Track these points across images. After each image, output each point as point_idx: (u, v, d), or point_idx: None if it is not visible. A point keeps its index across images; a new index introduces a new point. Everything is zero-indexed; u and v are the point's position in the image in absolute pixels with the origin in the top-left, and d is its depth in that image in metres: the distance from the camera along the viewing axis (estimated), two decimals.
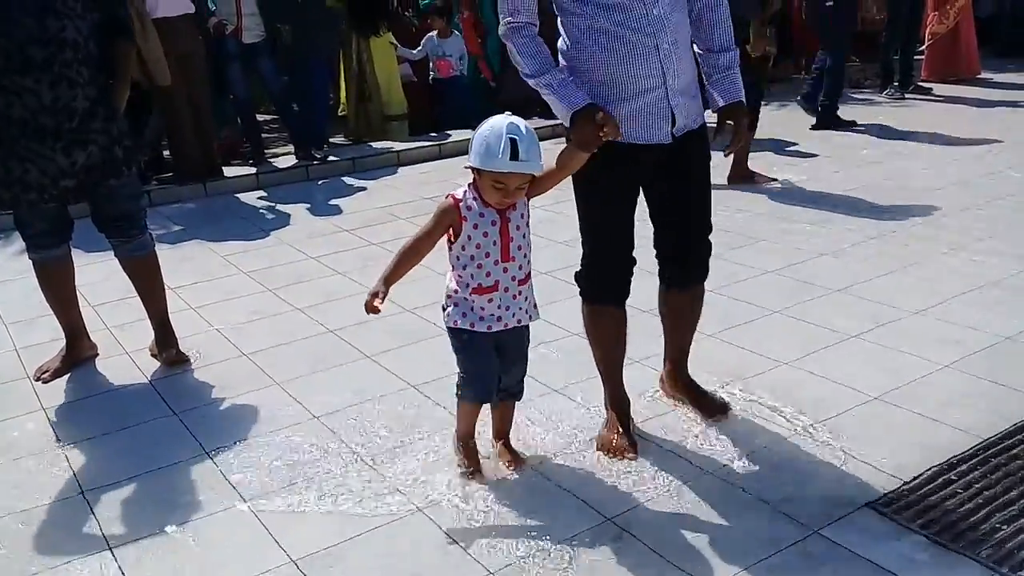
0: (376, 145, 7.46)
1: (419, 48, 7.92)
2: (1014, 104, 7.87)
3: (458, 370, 2.61)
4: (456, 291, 2.50)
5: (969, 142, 6.49)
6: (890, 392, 2.95)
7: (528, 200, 2.48)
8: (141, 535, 2.49)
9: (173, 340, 3.69)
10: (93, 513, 2.62)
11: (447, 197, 2.46)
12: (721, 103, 2.66)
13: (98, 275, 4.53)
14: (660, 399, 3.03)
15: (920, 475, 2.47)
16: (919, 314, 3.57)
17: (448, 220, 2.42)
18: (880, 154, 6.39)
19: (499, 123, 2.31)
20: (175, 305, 4.27)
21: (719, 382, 3.10)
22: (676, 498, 2.48)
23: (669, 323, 2.93)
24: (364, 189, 6.50)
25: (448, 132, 7.75)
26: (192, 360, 3.63)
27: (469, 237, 2.41)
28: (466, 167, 2.42)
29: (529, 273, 2.53)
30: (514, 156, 2.27)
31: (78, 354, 3.68)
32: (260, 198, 6.41)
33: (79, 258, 3.80)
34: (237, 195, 6.49)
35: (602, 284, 2.72)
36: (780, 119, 7.94)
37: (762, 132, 7.31)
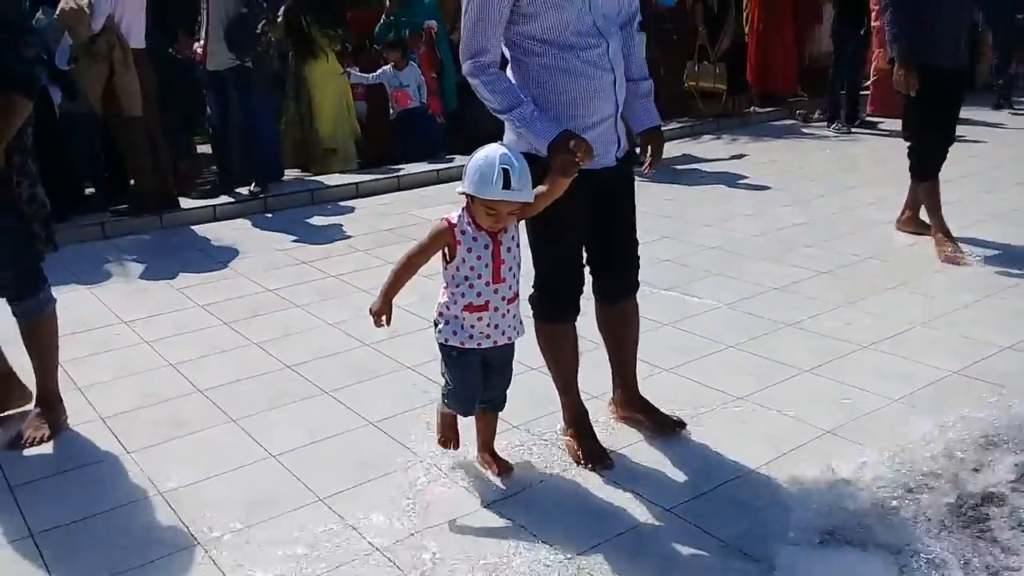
0: (335, 178, 7.44)
1: (374, 75, 7.94)
2: (958, 138, 8.08)
3: (445, 381, 2.73)
4: (448, 308, 2.62)
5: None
6: (842, 426, 3.01)
7: (518, 223, 2.62)
8: None
9: (47, 419, 3.29)
10: (42, 557, 2.56)
11: (442, 220, 2.59)
12: (644, 127, 2.87)
13: None
14: (614, 431, 3.06)
15: (872, 507, 2.52)
16: (869, 348, 3.65)
17: (443, 241, 2.57)
18: (829, 188, 6.54)
19: (493, 153, 2.45)
20: (127, 340, 4.24)
21: (681, 415, 3.13)
22: (637, 538, 2.50)
23: (610, 343, 3.07)
24: (323, 221, 6.48)
25: (405, 165, 7.78)
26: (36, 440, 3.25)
27: (463, 259, 2.55)
28: (460, 192, 2.53)
29: (517, 292, 2.67)
30: (506, 185, 2.42)
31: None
32: (217, 230, 6.36)
33: None
34: (194, 227, 6.43)
35: (560, 303, 2.86)
36: (734, 150, 8.11)
37: (719, 165, 7.48)
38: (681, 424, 3.04)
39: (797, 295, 4.33)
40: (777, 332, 3.89)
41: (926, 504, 2.56)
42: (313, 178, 7.52)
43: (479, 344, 2.62)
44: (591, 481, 2.78)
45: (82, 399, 3.60)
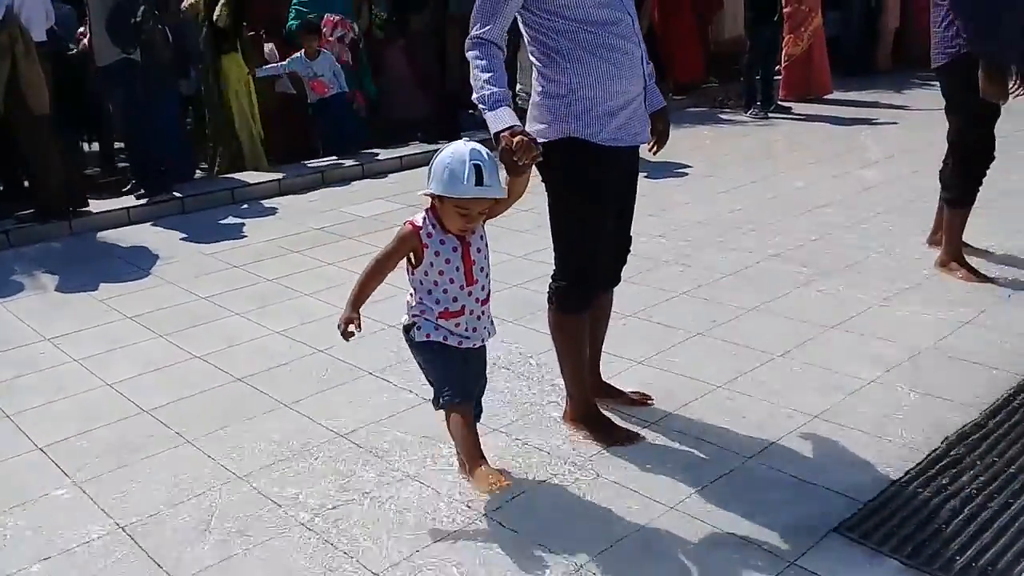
0: (256, 175, 7.11)
1: (284, 63, 7.61)
2: (868, 121, 8.36)
3: (433, 384, 2.57)
4: (421, 312, 2.49)
5: (843, 158, 6.82)
6: (828, 411, 2.99)
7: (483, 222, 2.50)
8: None
9: None
10: None
11: (406, 224, 2.45)
12: (652, 109, 2.84)
13: None
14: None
15: (877, 496, 2.49)
16: (835, 328, 3.66)
17: (408, 247, 2.44)
18: (759, 173, 6.61)
19: (461, 149, 2.34)
20: (56, 359, 3.91)
21: (662, 409, 3.06)
22: (646, 539, 2.41)
23: (591, 327, 2.99)
24: (248, 221, 6.17)
25: (331, 157, 7.51)
26: None
27: (432, 264, 2.42)
28: (425, 194, 2.39)
29: (489, 292, 2.56)
30: (479, 182, 2.31)
31: None
32: (133, 235, 5.98)
33: None
34: (107, 232, 6.03)
35: (592, 293, 2.84)
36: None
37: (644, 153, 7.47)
38: (647, 397, 3.12)
39: (753, 280, 4.33)
40: (741, 317, 3.87)
41: (937, 488, 2.55)
42: (232, 176, 7.16)
43: (460, 342, 2.52)
44: (583, 483, 2.67)
45: (13, 428, 3.29)
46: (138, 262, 5.32)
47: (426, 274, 2.44)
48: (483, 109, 2.51)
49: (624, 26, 2.64)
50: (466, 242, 2.45)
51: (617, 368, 3.36)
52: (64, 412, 3.40)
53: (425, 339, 2.49)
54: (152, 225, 6.18)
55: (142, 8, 6.19)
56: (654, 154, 2.95)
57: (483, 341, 2.59)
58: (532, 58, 2.73)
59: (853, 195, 5.76)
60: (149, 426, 3.25)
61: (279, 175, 7.05)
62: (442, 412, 2.57)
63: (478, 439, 2.55)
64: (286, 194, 6.86)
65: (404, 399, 3.30)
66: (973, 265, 4.16)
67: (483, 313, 2.54)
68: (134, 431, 3.22)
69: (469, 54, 2.60)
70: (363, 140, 7.90)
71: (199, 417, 3.29)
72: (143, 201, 6.38)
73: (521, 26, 2.72)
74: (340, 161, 7.42)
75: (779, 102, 9.26)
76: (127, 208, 6.30)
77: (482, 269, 2.50)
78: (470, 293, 2.48)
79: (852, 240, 4.82)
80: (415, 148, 7.76)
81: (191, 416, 3.31)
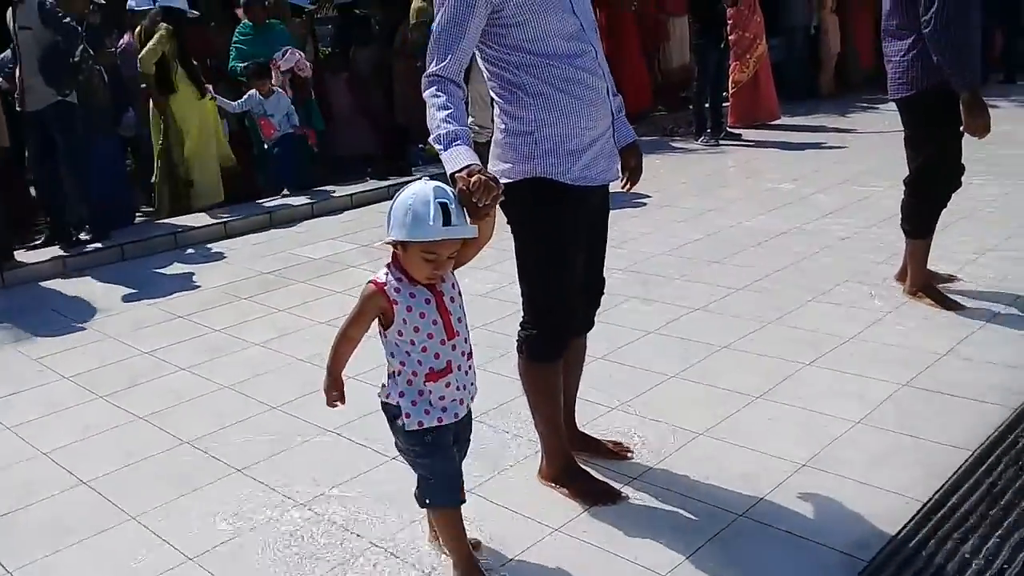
0: (199, 218, 6.84)
1: (240, 101, 7.40)
2: (818, 145, 8.39)
3: (420, 476, 2.31)
4: (409, 383, 2.21)
5: (798, 183, 6.80)
6: (815, 457, 2.86)
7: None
8: None
9: None
10: None
11: (368, 284, 2.20)
12: (621, 144, 2.72)
13: None
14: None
15: (877, 555, 2.35)
16: (811, 366, 3.55)
17: (376, 308, 2.18)
18: (715, 201, 6.55)
19: (423, 189, 2.12)
20: None
21: (643, 463, 2.90)
22: None
23: (565, 374, 2.81)
24: (192, 267, 5.90)
25: (279, 197, 7.29)
26: None
27: (404, 321, 2.16)
28: (386, 242, 2.17)
29: (471, 346, 2.32)
30: (446, 221, 2.09)
31: None
32: (69, 286, 5.67)
33: None
34: (40, 283, 5.72)
35: (563, 339, 2.69)
36: None
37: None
38: (626, 449, 2.98)
39: (722, 315, 4.21)
40: (714, 356, 3.74)
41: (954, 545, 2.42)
42: (172, 220, 6.88)
43: (456, 414, 2.25)
44: (567, 550, 2.49)
45: None
46: (75, 315, 5.02)
47: (400, 335, 2.18)
48: (439, 149, 2.33)
49: (588, 58, 2.51)
50: (438, 291, 2.20)
51: (590, 415, 3.20)
52: None
53: (417, 428, 2.21)
54: (89, 275, 5.87)
55: (80, 48, 5.93)
56: (627, 191, 2.82)
57: (471, 400, 2.34)
58: (493, 94, 2.58)
59: (812, 221, 5.71)
60: (89, 501, 3.00)
61: (224, 217, 6.79)
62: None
63: (464, 533, 2.35)
64: (232, 236, 6.61)
65: (366, 458, 3.10)
66: (941, 290, 4.11)
67: (470, 368, 2.30)
68: (72, 508, 2.96)
69: (425, 93, 2.43)
70: (312, 178, 7.69)
71: (144, 488, 3.04)
72: (79, 249, 6.08)
73: (480, 61, 2.58)
74: (289, 201, 7.19)
75: (729, 129, 9.28)
76: (63, 257, 5.99)
77: (460, 320, 2.25)
78: (454, 347, 2.22)
79: (817, 269, 4.75)
80: (366, 185, 7.57)
81: (135, 487, 3.06)
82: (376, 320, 2.21)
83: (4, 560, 2.67)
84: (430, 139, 2.39)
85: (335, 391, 2.24)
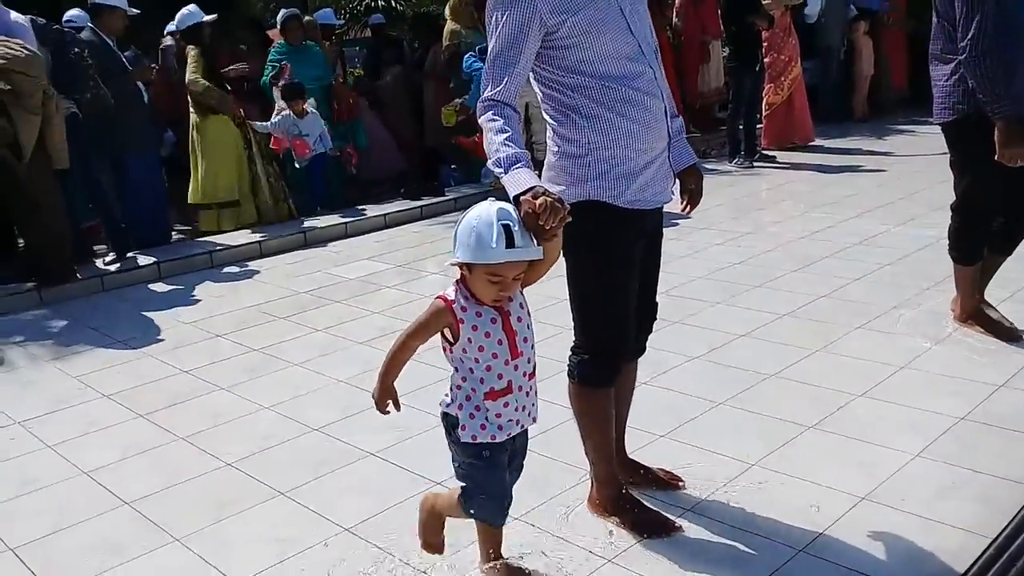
0: (235, 236, 6.86)
1: (272, 122, 7.43)
2: (854, 169, 8.31)
3: (467, 489, 2.30)
4: (468, 398, 2.22)
5: (836, 207, 6.72)
6: (874, 491, 2.78)
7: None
8: None
9: None
10: None
11: (437, 299, 2.19)
12: (682, 166, 2.68)
13: None
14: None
15: None
16: (864, 397, 3.47)
17: (442, 323, 2.18)
18: (753, 225, 6.48)
19: (487, 210, 2.11)
20: (26, 446, 3.61)
21: (695, 494, 2.83)
22: None
23: (616, 400, 2.76)
24: (229, 286, 5.91)
25: (313, 217, 7.30)
26: None
27: (470, 340, 2.16)
28: (452, 264, 2.16)
29: (535, 365, 2.30)
30: (510, 243, 2.07)
31: None
32: (106, 303, 5.69)
33: None
34: (77, 301, 5.74)
35: (617, 365, 2.64)
36: None
37: None
38: (677, 479, 2.91)
39: (767, 341, 4.14)
40: (761, 384, 3.66)
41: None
42: (208, 239, 6.90)
43: (510, 434, 2.24)
44: None
45: None
46: (113, 333, 5.03)
47: (465, 352, 2.18)
48: (499, 173, 2.32)
49: (646, 79, 2.47)
50: (504, 311, 2.19)
51: (638, 442, 3.13)
52: (35, 507, 3.10)
53: (472, 441, 2.22)
54: (126, 291, 5.89)
55: (82, 53, 6.01)
56: (686, 213, 2.75)
57: (532, 421, 2.32)
58: (546, 116, 2.56)
59: (853, 246, 5.62)
60: (131, 521, 2.97)
61: (260, 236, 6.81)
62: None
63: (500, 543, 2.35)
64: (267, 256, 6.61)
65: (408, 482, 3.05)
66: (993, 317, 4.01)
67: (531, 389, 2.28)
68: (116, 527, 2.93)
69: (482, 118, 2.43)
70: (344, 198, 7.72)
71: (186, 510, 3.01)
72: (115, 267, 6.11)
73: (534, 82, 2.55)
74: (322, 220, 7.19)
75: (762, 151, 9.21)
76: (100, 276, 6.01)
77: (526, 339, 2.24)
78: (516, 367, 2.21)
79: (862, 296, 4.66)
80: (399, 205, 7.57)
81: (177, 509, 3.03)
82: (441, 335, 2.21)
83: None
84: (489, 163, 2.38)
85: (388, 398, 2.24)
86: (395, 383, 2.24)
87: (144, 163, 6.74)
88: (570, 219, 2.20)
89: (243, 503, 3.03)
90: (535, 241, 2.14)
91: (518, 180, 2.25)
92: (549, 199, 2.13)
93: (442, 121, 8.01)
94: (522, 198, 2.19)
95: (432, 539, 2.50)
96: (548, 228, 2.13)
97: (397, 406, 2.25)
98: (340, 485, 3.11)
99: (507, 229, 2.07)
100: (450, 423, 2.26)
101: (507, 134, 2.35)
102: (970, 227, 3.93)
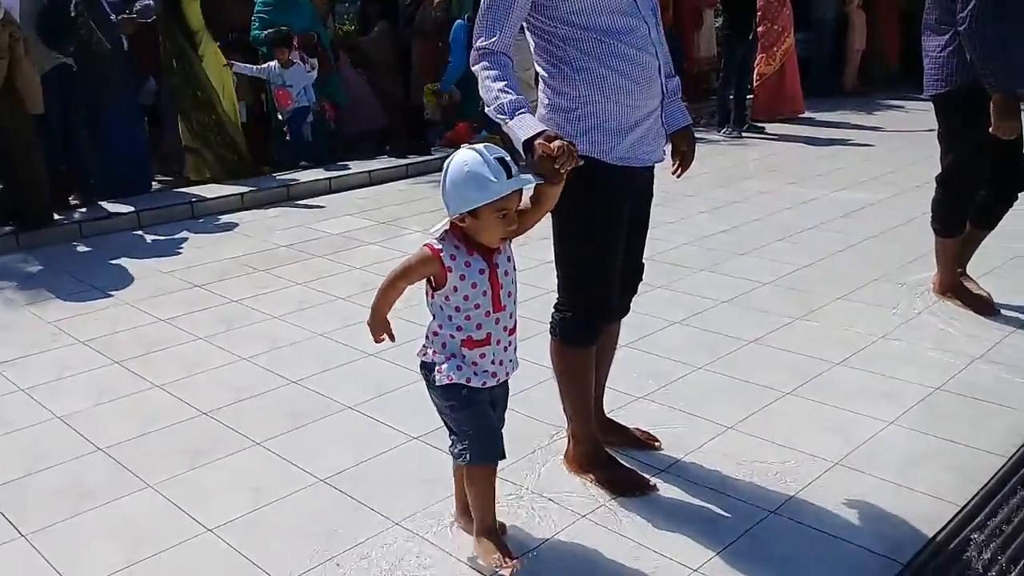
0: (217, 188, 6.77)
1: (258, 67, 7.31)
2: (843, 142, 8.30)
3: (456, 434, 2.27)
4: (445, 344, 2.21)
5: (823, 179, 6.71)
6: (848, 456, 2.80)
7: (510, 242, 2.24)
8: None
9: None
10: None
11: (424, 248, 2.17)
12: (675, 127, 2.65)
13: None
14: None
15: (915, 557, 2.29)
16: (842, 365, 3.48)
17: (427, 271, 2.18)
18: (740, 193, 6.47)
19: (471, 155, 2.10)
20: (0, 387, 3.57)
21: (672, 455, 2.84)
22: None
23: (597, 360, 2.75)
24: (209, 237, 5.84)
25: (296, 170, 7.21)
26: None
27: (455, 288, 2.16)
28: (454, 219, 2.13)
29: (516, 321, 2.29)
30: (509, 173, 2.07)
31: None
32: (85, 250, 5.62)
33: None
34: (56, 247, 5.66)
35: (599, 324, 2.64)
36: None
37: None
38: (654, 439, 2.91)
39: (748, 308, 4.14)
40: (742, 350, 3.67)
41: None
42: (189, 190, 6.81)
43: (484, 383, 2.22)
44: (596, 540, 2.43)
45: None
46: (91, 280, 4.97)
47: (447, 299, 2.18)
48: (503, 120, 2.30)
49: (640, 35, 2.43)
50: (493, 263, 2.18)
51: (618, 403, 3.14)
52: (8, 450, 3.08)
53: (448, 383, 2.20)
54: (105, 239, 5.82)
55: (73, 2, 5.87)
56: (677, 177, 2.73)
57: (507, 376, 2.30)
58: (538, 67, 2.52)
59: (838, 219, 5.63)
60: (105, 467, 2.95)
61: (242, 189, 6.72)
62: (447, 457, 2.32)
63: (494, 501, 2.31)
64: (249, 208, 6.54)
65: (387, 437, 3.04)
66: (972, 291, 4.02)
67: (510, 344, 2.27)
68: (88, 473, 2.91)
69: (476, 66, 2.40)
70: (329, 154, 7.63)
71: (160, 457, 2.99)
72: (114, 212, 6.04)
73: (527, 32, 2.51)
74: (306, 175, 7.11)
75: (752, 121, 9.18)
76: (79, 222, 5.93)
77: (509, 294, 2.23)
78: (497, 321, 2.20)
79: (844, 267, 4.67)
80: (385, 162, 7.49)
81: (151, 456, 3.01)
82: (426, 281, 2.20)
83: (19, 524, 2.62)
84: (488, 110, 2.36)
85: (381, 330, 2.24)
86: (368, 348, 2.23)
87: (125, 112, 6.63)
88: (582, 162, 2.19)
89: (218, 452, 3.02)
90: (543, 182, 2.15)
91: (525, 124, 2.25)
92: (564, 141, 2.14)
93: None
94: (536, 142, 2.18)
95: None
96: (563, 171, 2.13)
97: (391, 336, 2.25)
98: (317, 437, 3.10)
99: (502, 161, 2.08)
100: (427, 370, 2.26)
101: (505, 82, 2.34)
102: (953, 199, 3.93)
